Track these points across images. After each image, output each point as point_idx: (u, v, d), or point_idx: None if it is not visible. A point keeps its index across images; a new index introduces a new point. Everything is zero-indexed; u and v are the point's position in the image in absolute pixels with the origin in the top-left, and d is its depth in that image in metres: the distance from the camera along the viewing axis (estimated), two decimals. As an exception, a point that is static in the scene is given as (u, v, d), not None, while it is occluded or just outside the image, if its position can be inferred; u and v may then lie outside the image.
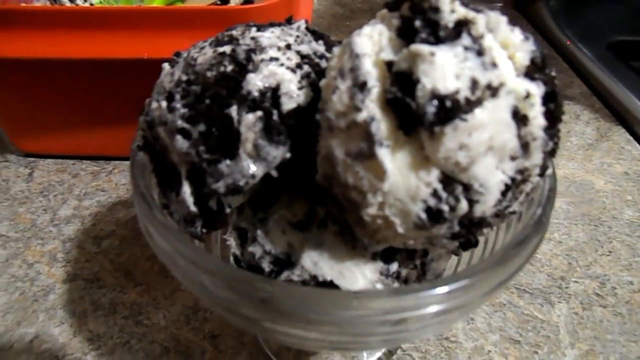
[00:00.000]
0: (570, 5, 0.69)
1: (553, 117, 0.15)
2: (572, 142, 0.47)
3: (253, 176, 0.16)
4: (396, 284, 0.19)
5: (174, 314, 0.30)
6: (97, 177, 0.41)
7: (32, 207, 0.38)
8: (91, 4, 0.48)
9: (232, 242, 0.22)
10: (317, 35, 0.19)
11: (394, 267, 0.19)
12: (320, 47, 0.18)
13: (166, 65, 0.19)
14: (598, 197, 0.40)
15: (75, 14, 0.32)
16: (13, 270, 0.33)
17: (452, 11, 0.14)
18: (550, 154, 0.16)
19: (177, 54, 0.20)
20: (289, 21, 0.20)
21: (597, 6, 0.69)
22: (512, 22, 0.15)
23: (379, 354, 0.28)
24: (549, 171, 0.17)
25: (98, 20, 0.31)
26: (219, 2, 0.41)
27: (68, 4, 0.49)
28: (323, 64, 0.18)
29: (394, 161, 0.14)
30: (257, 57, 0.17)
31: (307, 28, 0.19)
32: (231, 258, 0.23)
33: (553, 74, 0.15)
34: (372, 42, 0.15)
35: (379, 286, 0.19)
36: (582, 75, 0.57)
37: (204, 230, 0.18)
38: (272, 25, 0.19)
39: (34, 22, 0.31)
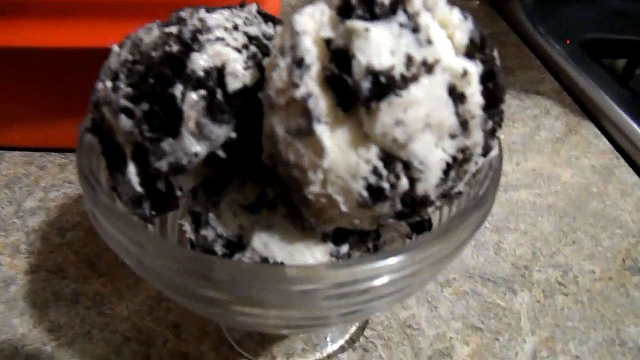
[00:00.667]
0: (544, 4, 0.70)
1: (492, 96, 0.15)
2: (542, 136, 0.47)
3: (196, 155, 0.16)
4: (348, 267, 0.19)
5: (137, 305, 0.30)
6: (65, 170, 0.40)
7: (-3, 199, 0.37)
8: None
9: (187, 226, 0.22)
10: (267, 18, 0.19)
11: (345, 249, 0.19)
12: (269, 30, 0.18)
13: (115, 47, 0.19)
14: (565, 189, 0.41)
15: (36, 2, 0.31)
16: (-26, 262, 0.32)
17: (389, -11, 0.14)
18: (491, 133, 0.16)
19: (128, 37, 0.20)
20: (242, 5, 0.20)
21: (570, 5, 0.70)
22: (451, 3, 0.15)
23: (342, 341, 0.28)
24: (495, 152, 0.17)
25: (63, 7, 0.31)
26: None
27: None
28: (271, 45, 0.18)
29: (333, 138, 0.14)
30: (203, 38, 0.17)
31: (259, 12, 0.19)
32: (187, 244, 0.23)
33: (494, 54, 0.16)
34: (314, 20, 0.15)
35: (330, 268, 0.19)
36: (554, 72, 0.58)
37: (153, 213, 0.18)
38: (223, 8, 0.19)
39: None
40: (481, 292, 0.32)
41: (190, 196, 0.21)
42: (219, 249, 0.20)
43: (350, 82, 0.14)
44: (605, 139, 0.47)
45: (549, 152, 0.45)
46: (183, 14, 0.18)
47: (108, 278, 0.32)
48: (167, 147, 0.16)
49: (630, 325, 0.31)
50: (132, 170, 0.17)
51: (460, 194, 0.18)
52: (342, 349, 0.28)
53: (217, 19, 0.17)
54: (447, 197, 0.17)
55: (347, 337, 0.28)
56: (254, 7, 0.19)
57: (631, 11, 0.70)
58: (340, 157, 0.15)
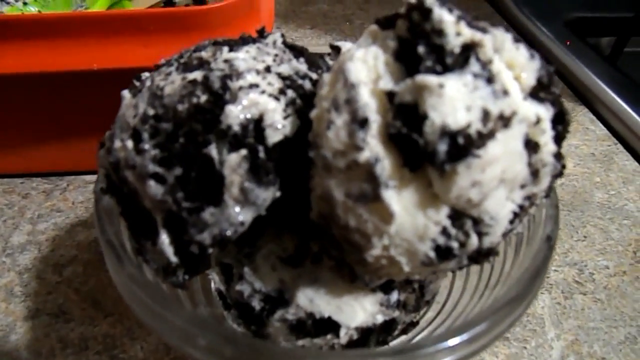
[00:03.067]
0: (526, -17, 0.69)
1: (561, 138, 0.14)
2: (539, 125, 0.47)
3: (242, 224, 0.14)
4: (396, 312, 0.18)
5: (152, 344, 0.28)
6: (51, 196, 0.38)
7: (-21, 235, 0.34)
8: (24, 3, 0.44)
9: (215, 277, 0.20)
10: (296, 52, 0.17)
11: (394, 296, 0.18)
12: (302, 66, 0.16)
13: (126, 94, 0.16)
14: (569, 180, 0.41)
15: (11, 22, 0.28)
16: (-36, 311, 0.30)
17: (458, 34, 0.12)
18: (557, 176, 0.15)
19: (138, 78, 0.18)
20: (262, 34, 0.18)
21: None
22: (516, 38, 0.14)
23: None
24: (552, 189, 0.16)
25: (38, 28, 0.28)
26: (162, 4, 0.38)
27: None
28: (307, 85, 0.16)
29: (400, 202, 0.13)
30: (234, 85, 0.15)
31: (284, 43, 0.17)
32: (214, 292, 0.21)
33: (558, 92, 0.14)
34: (367, 67, 0.13)
35: (380, 317, 0.18)
36: (543, 54, 0.58)
37: (186, 277, 0.16)
38: (244, 41, 0.17)
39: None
40: (503, 298, 0.32)
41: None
42: (256, 304, 0.18)
43: (421, 142, 0.12)
44: (601, 124, 0.48)
45: (548, 142, 0.45)
46: (204, 55, 0.16)
47: (116, 317, 0.30)
48: (209, 217, 0.14)
49: (649, 320, 0.31)
50: (164, 239, 0.15)
51: (517, 233, 0.16)
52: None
53: (245, 59, 0.15)
54: (505, 237, 0.16)
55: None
56: (278, 38, 0.17)
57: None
58: (407, 220, 0.13)
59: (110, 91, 0.31)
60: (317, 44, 0.56)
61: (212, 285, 0.21)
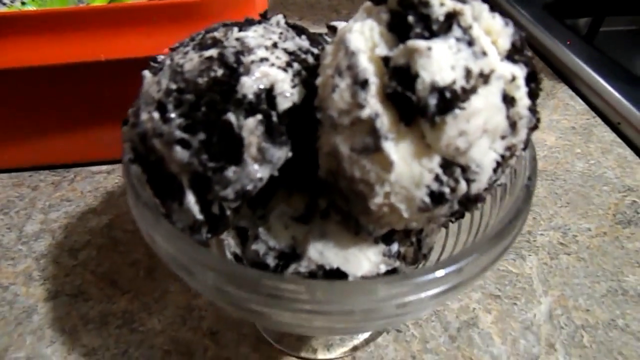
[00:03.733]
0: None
1: (534, 94, 0.16)
2: (522, 102, 0.49)
3: (260, 179, 0.16)
4: (397, 263, 0.20)
5: (168, 317, 0.30)
6: (60, 187, 0.39)
7: (-6, 226, 0.36)
8: (22, 3, 0.45)
9: (230, 241, 0.22)
10: (298, 30, 0.19)
11: (395, 247, 0.20)
12: (304, 43, 0.18)
13: (147, 73, 0.18)
14: (551, 153, 0.43)
15: (21, 17, 0.30)
16: (-13, 296, 0.32)
17: (442, 4, 0.14)
18: (533, 129, 0.17)
19: (154, 60, 0.19)
20: (265, 16, 0.20)
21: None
22: (492, 9, 0.16)
23: (375, 326, 0.29)
24: (529, 142, 0.19)
25: (46, 23, 0.29)
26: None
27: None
28: (310, 59, 0.18)
29: (398, 152, 0.15)
30: (246, 59, 0.17)
31: (286, 23, 0.19)
32: (229, 256, 0.23)
33: (530, 54, 0.17)
34: (365, 38, 0.15)
35: (383, 267, 0.20)
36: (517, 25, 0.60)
37: (209, 236, 0.18)
38: (251, 23, 0.19)
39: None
40: (493, 261, 0.34)
41: (232, 211, 0.21)
42: (271, 261, 0.20)
43: (414, 99, 0.14)
44: (580, 100, 0.50)
45: (531, 117, 0.47)
46: (217, 35, 0.18)
47: (132, 294, 0.32)
48: (232, 175, 0.16)
49: (628, 274, 0.34)
50: (190, 198, 0.17)
51: (500, 184, 0.19)
52: (378, 333, 0.29)
53: (255, 37, 0.17)
54: (490, 189, 0.18)
55: (379, 321, 0.30)
56: (281, 19, 0.19)
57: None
58: (404, 169, 0.15)
59: (114, 82, 0.33)
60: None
61: (227, 252, 0.23)
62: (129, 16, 0.30)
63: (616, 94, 0.48)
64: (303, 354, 0.29)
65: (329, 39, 0.20)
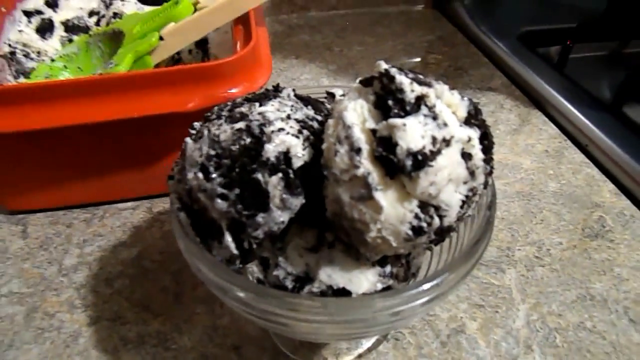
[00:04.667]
0: (482, 3, 0.78)
1: (487, 149, 0.22)
2: (500, 129, 0.55)
3: (283, 222, 0.21)
4: (391, 281, 0.25)
5: (196, 335, 0.35)
6: (91, 224, 0.44)
7: (36, 261, 0.41)
8: (52, 60, 0.51)
9: (254, 269, 0.27)
10: (304, 101, 0.24)
11: (388, 268, 0.25)
12: (310, 112, 0.24)
13: (189, 140, 0.23)
14: (527, 175, 0.49)
15: (65, 85, 0.35)
16: (37, 323, 0.36)
17: (412, 90, 0.20)
18: (489, 174, 0.22)
19: (192, 127, 0.25)
20: (277, 88, 0.26)
21: (505, 1, 0.79)
22: (451, 87, 0.21)
23: (377, 335, 0.34)
24: (490, 183, 0.24)
25: (88, 88, 0.35)
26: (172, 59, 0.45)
27: (29, 63, 0.51)
28: (315, 125, 0.23)
29: (386, 199, 0.20)
30: (268, 129, 0.22)
31: (295, 95, 0.25)
32: (252, 280, 0.28)
33: (483, 118, 0.22)
34: (357, 114, 0.20)
35: (379, 285, 0.25)
36: (500, 67, 0.66)
37: (241, 266, 0.23)
38: (267, 96, 0.24)
39: (26, 97, 0.34)
40: (477, 275, 0.39)
41: (258, 246, 0.26)
42: (289, 283, 0.25)
43: (395, 160, 0.19)
44: (552, 124, 0.56)
45: (509, 143, 0.53)
46: (243, 110, 0.23)
47: (164, 317, 0.36)
48: (261, 220, 0.21)
49: (595, 282, 0.39)
50: (228, 238, 0.22)
51: (469, 216, 0.24)
52: (378, 342, 0.34)
53: (273, 112, 0.22)
54: (460, 220, 0.23)
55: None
56: (290, 92, 0.24)
57: (560, 0, 0.79)
58: (391, 210, 0.20)
59: (140, 133, 0.39)
60: (302, 73, 0.63)
61: (250, 277, 0.28)
62: (156, 79, 0.35)
63: (584, 118, 0.53)
64: (315, 363, 0.33)
65: (328, 106, 0.25)
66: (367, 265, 0.24)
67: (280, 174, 0.21)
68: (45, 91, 0.34)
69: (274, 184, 0.21)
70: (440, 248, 0.28)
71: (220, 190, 0.21)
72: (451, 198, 0.21)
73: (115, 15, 0.56)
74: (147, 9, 0.56)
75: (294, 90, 0.25)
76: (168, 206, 0.45)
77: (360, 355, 0.33)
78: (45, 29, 0.56)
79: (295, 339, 0.33)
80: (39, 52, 0.54)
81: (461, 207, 0.22)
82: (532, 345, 0.34)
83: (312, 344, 0.34)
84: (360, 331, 0.23)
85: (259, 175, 0.21)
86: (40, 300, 0.38)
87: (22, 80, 0.51)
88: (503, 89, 0.62)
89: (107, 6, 0.59)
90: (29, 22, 0.56)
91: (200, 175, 0.22)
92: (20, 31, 0.54)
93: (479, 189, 0.22)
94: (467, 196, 0.22)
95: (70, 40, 0.56)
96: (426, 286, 0.21)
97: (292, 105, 0.23)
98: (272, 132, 0.22)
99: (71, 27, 0.57)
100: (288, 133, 0.22)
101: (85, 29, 0.58)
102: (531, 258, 0.41)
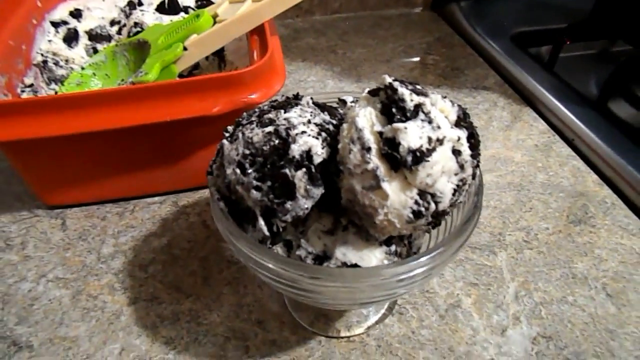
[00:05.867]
0: (477, 5, 0.82)
1: (474, 146, 0.26)
2: (494, 126, 0.59)
3: (307, 208, 0.26)
4: (395, 258, 0.30)
5: (224, 312, 0.40)
6: (123, 217, 0.49)
7: (77, 251, 0.45)
8: (82, 68, 0.55)
9: (278, 250, 0.31)
10: (321, 108, 0.29)
11: (393, 247, 0.30)
12: (326, 117, 0.28)
13: (225, 142, 0.28)
14: (517, 168, 0.53)
15: (107, 94, 0.39)
16: (82, 304, 0.41)
17: (412, 100, 0.24)
18: (476, 166, 0.27)
19: (226, 130, 0.29)
20: (297, 97, 0.30)
21: (498, 4, 0.83)
22: (449, 86, 0.25)
23: (383, 310, 0.39)
24: (477, 174, 0.28)
25: (126, 96, 0.39)
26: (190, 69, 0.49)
27: (60, 70, 0.55)
28: (331, 128, 0.28)
29: (391, 188, 0.25)
30: (293, 132, 0.26)
31: (313, 102, 0.29)
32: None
33: (471, 121, 0.26)
34: (367, 119, 0.25)
35: (385, 262, 0.30)
36: (494, 67, 0.70)
37: (271, 246, 0.28)
38: (289, 103, 0.29)
39: (73, 104, 0.39)
40: (472, 257, 0.44)
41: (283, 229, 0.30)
42: (309, 261, 0.30)
43: (398, 157, 0.24)
44: (542, 121, 0.60)
45: (501, 138, 0.57)
46: (271, 116, 0.27)
47: (194, 297, 0.41)
48: (289, 207, 0.26)
49: (577, 262, 0.43)
50: (261, 222, 0.26)
51: (461, 202, 0.28)
52: (385, 316, 0.39)
53: (296, 117, 0.27)
54: (454, 206, 0.28)
55: (385, 306, 0.39)
56: (309, 100, 0.29)
57: (550, 2, 0.83)
58: (395, 198, 0.25)
59: (169, 134, 0.43)
60: (309, 75, 0.68)
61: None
62: (186, 87, 0.40)
63: (571, 115, 0.58)
64: (329, 333, 0.38)
65: (341, 111, 0.30)
66: (375, 245, 0.29)
67: (304, 169, 0.26)
68: (89, 99, 0.39)
69: (299, 177, 0.26)
70: (437, 231, 0.33)
71: (255, 183, 0.26)
72: (445, 187, 0.25)
73: (136, 24, 0.61)
74: (166, 18, 0.61)
75: (311, 98, 0.29)
76: (192, 200, 0.50)
77: (369, 327, 0.38)
78: (71, 38, 0.61)
79: (311, 313, 0.38)
80: (67, 60, 0.58)
81: (453, 194, 0.26)
82: (520, 317, 0.39)
83: (327, 318, 0.39)
84: (371, 295, 0.28)
85: (287, 170, 0.26)
86: (83, 284, 0.42)
87: (53, 86, 0.56)
88: (497, 87, 0.66)
89: (127, 16, 0.64)
90: (57, 32, 0.61)
91: (237, 170, 0.26)
92: (49, 41, 0.59)
93: (468, 180, 0.27)
94: (458, 185, 0.26)
95: (94, 48, 0.61)
96: (424, 257, 0.25)
97: (311, 112, 0.28)
98: (297, 134, 0.26)
99: (94, 36, 0.62)
100: (309, 135, 0.27)
101: (108, 38, 0.62)
102: (520, 242, 0.45)
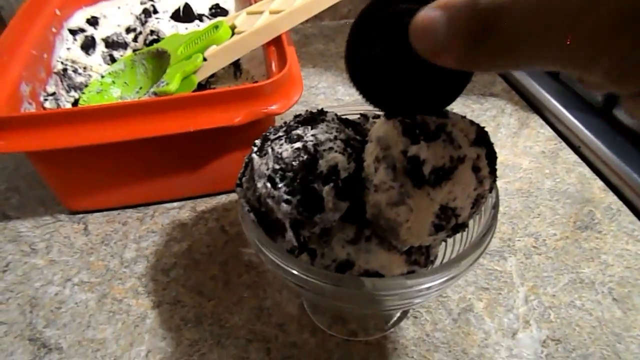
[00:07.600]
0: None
1: (492, 162, 0.28)
2: (502, 132, 0.61)
3: (334, 221, 0.27)
4: (414, 267, 0.32)
5: (245, 315, 0.41)
6: (144, 222, 0.50)
7: (100, 255, 0.47)
8: (102, 76, 0.57)
9: (302, 258, 0.33)
10: (346, 123, 0.30)
11: (413, 257, 0.31)
12: (351, 133, 0.30)
13: (255, 156, 0.30)
14: (525, 174, 0.55)
15: (132, 105, 0.41)
16: (108, 307, 0.42)
17: (434, 121, 0.26)
18: (493, 181, 0.28)
19: (255, 145, 0.31)
20: (322, 112, 0.32)
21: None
22: (463, 117, 0.27)
23: (398, 314, 0.40)
24: (494, 188, 0.30)
25: (152, 107, 0.41)
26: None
27: (79, 78, 0.57)
28: (356, 144, 0.29)
29: (414, 204, 0.26)
30: (320, 148, 0.28)
31: (338, 118, 0.31)
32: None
33: (489, 138, 0.28)
34: (391, 138, 0.27)
35: (405, 270, 0.31)
36: (501, 73, 0.72)
37: (299, 253, 0.29)
38: (314, 119, 0.30)
39: (100, 115, 0.41)
40: (482, 262, 0.45)
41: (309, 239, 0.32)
42: (333, 270, 0.31)
43: (422, 174, 0.25)
44: (549, 128, 0.62)
45: (509, 145, 0.59)
46: (299, 132, 0.29)
47: (216, 300, 0.43)
48: (318, 220, 0.27)
49: (584, 268, 0.45)
50: (290, 233, 0.28)
51: (477, 213, 0.30)
52: (399, 319, 0.40)
53: (323, 134, 0.29)
54: (472, 217, 0.30)
55: (400, 311, 0.41)
56: (334, 116, 0.31)
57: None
58: (418, 213, 0.26)
59: (190, 144, 0.45)
60: (320, 81, 0.69)
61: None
62: (208, 99, 0.41)
63: (577, 122, 0.59)
64: (347, 337, 0.40)
65: (365, 126, 0.32)
66: (396, 254, 0.30)
67: (331, 184, 0.27)
68: (115, 110, 0.41)
69: (327, 191, 0.27)
70: (453, 240, 0.35)
71: (285, 196, 0.27)
72: (464, 202, 0.27)
73: (152, 32, 0.62)
74: (181, 25, 0.62)
75: (336, 114, 0.31)
76: (210, 206, 0.51)
77: (385, 330, 0.40)
78: (88, 45, 0.62)
79: (329, 317, 0.40)
80: (85, 68, 0.60)
81: (472, 208, 0.28)
82: (530, 321, 0.41)
83: (345, 321, 0.40)
84: (391, 303, 0.29)
85: (315, 185, 0.27)
86: (108, 288, 0.44)
87: (73, 94, 0.57)
88: (504, 94, 0.68)
89: (143, 23, 0.65)
90: (75, 39, 0.62)
91: (268, 184, 0.28)
92: (68, 49, 0.61)
93: (486, 194, 0.28)
94: (476, 199, 0.28)
95: (111, 56, 0.62)
96: (443, 270, 0.27)
97: (336, 128, 0.29)
98: (324, 150, 0.28)
99: (111, 43, 0.63)
100: (336, 151, 0.28)
101: (124, 45, 0.64)
102: (529, 247, 0.47)
